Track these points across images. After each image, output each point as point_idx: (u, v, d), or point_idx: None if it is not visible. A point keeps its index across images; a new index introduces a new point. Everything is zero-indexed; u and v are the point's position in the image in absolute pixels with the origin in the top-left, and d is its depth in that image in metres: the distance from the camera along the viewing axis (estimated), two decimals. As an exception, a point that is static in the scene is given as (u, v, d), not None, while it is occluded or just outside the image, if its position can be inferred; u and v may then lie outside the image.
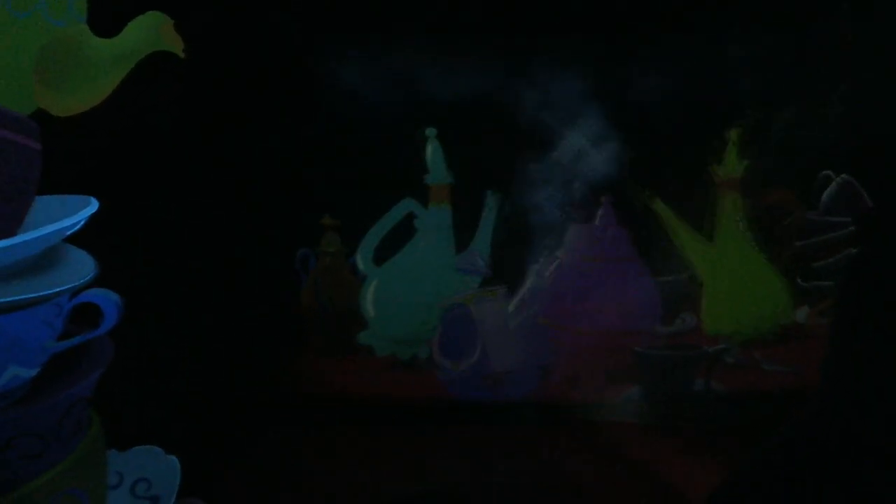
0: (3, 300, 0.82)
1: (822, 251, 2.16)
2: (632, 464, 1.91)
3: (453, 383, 2.20)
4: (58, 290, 0.88)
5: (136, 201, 1.57)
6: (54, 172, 0.95)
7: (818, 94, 1.98)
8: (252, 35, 1.98)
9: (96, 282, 0.94)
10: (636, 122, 2.11)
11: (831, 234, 2.14)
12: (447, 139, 2.21)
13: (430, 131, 2.19)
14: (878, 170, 1.99)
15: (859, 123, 1.95)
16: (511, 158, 2.17)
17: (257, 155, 2.08)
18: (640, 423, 2.14)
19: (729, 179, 2.18)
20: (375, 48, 2.09)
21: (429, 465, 1.93)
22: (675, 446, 1.98)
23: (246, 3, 1.95)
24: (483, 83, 2.06)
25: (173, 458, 1.18)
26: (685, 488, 1.73)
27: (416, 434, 2.07)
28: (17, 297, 0.83)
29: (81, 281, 0.92)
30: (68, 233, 0.92)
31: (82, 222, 0.92)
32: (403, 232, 2.28)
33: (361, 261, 2.28)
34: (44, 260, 0.94)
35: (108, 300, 0.94)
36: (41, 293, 0.85)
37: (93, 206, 0.94)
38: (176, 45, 1.19)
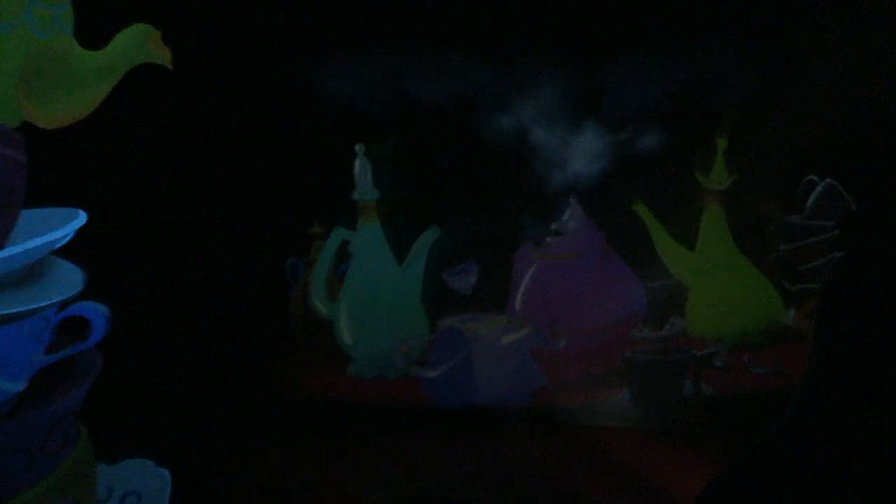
0: (-11, 314, 0.82)
1: (808, 254, 2.19)
2: (622, 466, 1.92)
3: (438, 388, 2.22)
4: (45, 303, 0.87)
5: (123, 213, 1.56)
6: (41, 185, 0.95)
7: (800, 97, 2.00)
8: (240, 46, 1.99)
9: (84, 294, 0.94)
10: (620, 126, 2.12)
11: (816, 237, 2.17)
12: (437, 147, 2.21)
13: (359, 147, 2.21)
14: (862, 173, 2.02)
15: (843, 127, 1.97)
16: (496, 168, 2.17)
17: (246, 165, 2.08)
18: (631, 426, 2.16)
19: (714, 190, 2.21)
20: (364, 61, 2.10)
21: (419, 471, 1.93)
22: (666, 449, 1.99)
23: (235, 17, 1.95)
24: (465, 90, 2.08)
25: (164, 470, 1.17)
26: (675, 490, 1.74)
27: (405, 440, 2.07)
28: (3, 311, 0.83)
29: (69, 294, 0.91)
30: (56, 245, 0.92)
31: (70, 235, 0.92)
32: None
33: (318, 304, 2.31)
34: (31, 273, 0.93)
35: (96, 312, 0.94)
36: (28, 306, 0.85)
37: (81, 218, 0.94)
38: (164, 57, 1.18)
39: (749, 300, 2.24)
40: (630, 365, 2.22)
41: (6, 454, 0.87)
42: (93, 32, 1.11)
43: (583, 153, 2.15)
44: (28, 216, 0.94)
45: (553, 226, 2.25)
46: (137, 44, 1.13)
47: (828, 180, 2.13)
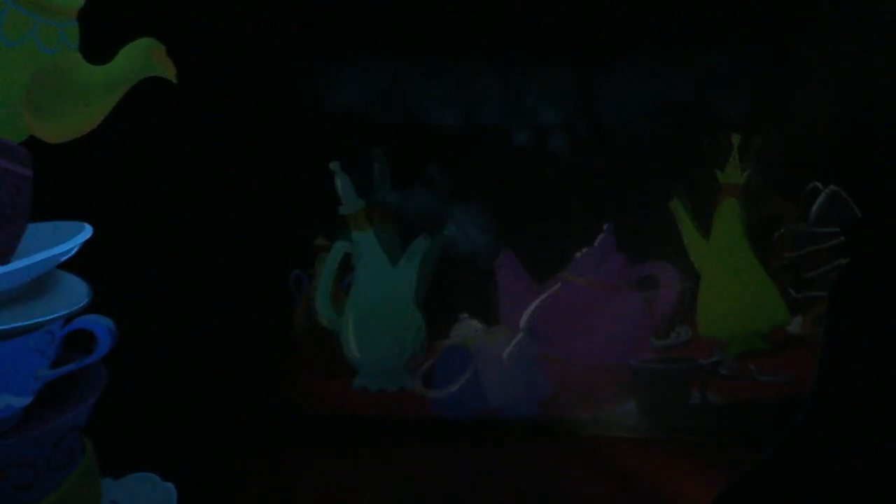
0: (-5, 328, 0.82)
1: (813, 262, 2.18)
2: (629, 476, 1.90)
3: (443, 403, 2.21)
4: (50, 317, 0.88)
5: (129, 227, 1.57)
6: (47, 198, 0.95)
7: (808, 101, 2.00)
8: (246, 59, 2.00)
9: (90, 308, 0.94)
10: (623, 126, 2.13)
11: (821, 244, 2.16)
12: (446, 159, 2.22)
13: (334, 165, 2.22)
14: (867, 179, 2.02)
15: (848, 132, 1.97)
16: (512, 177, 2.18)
17: (252, 178, 2.08)
18: (638, 436, 2.14)
19: (729, 185, 2.21)
20: (372, 74, 2.11)
21: (425, 482, 1.92)
22: (673, 458, 1.97)
23: (240, 31, 1.97)
24: (478, 96, 2.09)
25: (170, 484, 1.17)
26: (684, 500, 1.73)
27: (411, 452, 2.06)
28: (8, 326, 0.83)
29: (74, 307, 0.91)
30: (62, 259, 0.92)
31: (76, 248, 0.92)
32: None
33: (324, 318, 2.32)
34: (36, 286, 0.94)
35: (102, 326, 0.94)
36: (34, 320, 0.85)
37: (86, 231, 0.94)
38: (168, 71, 1.19)
39: (758, 300, 2.23)
40: (636, 374, 2.20)
41: (11, 469, 0.87)
42: (98, 48, 1.12)
43: (596, 154, 2.14)
44: (34, 230, 0.94)
45: (580, 252, 2.23)
46: (142, 58, 1.14)
47: (832, 187, 2.13)
